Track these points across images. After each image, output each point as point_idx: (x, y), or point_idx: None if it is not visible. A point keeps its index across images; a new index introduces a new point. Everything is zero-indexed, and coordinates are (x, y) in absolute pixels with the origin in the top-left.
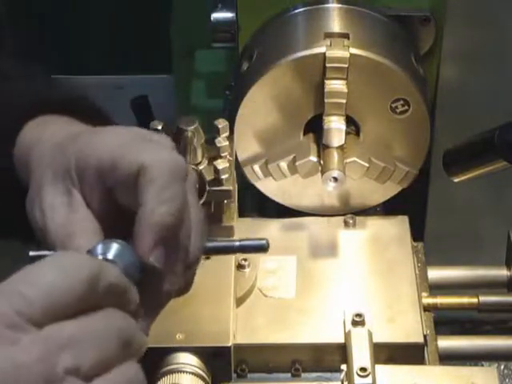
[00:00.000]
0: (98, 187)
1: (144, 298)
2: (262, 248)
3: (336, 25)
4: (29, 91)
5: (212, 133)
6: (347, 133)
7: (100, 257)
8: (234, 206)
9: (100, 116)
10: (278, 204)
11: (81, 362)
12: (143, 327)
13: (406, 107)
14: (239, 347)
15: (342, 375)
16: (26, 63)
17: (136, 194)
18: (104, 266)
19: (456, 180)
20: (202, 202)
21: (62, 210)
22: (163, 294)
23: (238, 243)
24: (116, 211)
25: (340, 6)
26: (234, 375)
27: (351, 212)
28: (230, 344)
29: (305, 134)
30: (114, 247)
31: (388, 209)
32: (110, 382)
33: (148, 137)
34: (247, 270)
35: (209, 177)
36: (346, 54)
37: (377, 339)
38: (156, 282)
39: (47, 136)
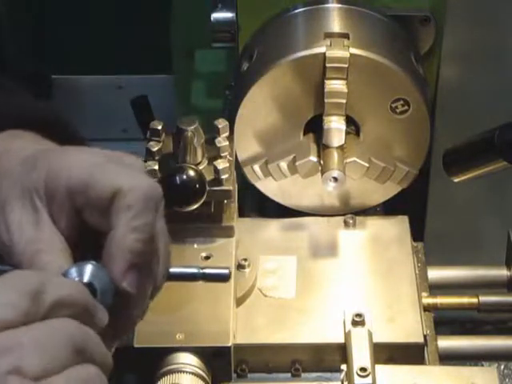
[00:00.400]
0: (67, 206)
1: (114, 320)
2: (224, 278)
3: (336, 25)
4: (2, 104)
5: (212, 133)
6: (347, 133)
7: (76, 280)
8: (234, 205)
9: (73, 139)
10: (278, 204)
11: (24, 365)
12: (108, 346)
13: (406, 107)
14: (239, 347)
15: (342, 375)
16: (5, 76)
17: (108, 217)
18: (49, 281)
19: (456, 180)
20: (201, 201)
21: (29, 227)
22: (133, 317)
23: (200, 271)
24: (83, 231)
25: (340, 6)
26: (234, 375)
27: (351, 212)
28: (230, 344)
29: (305, 134)
30: (89, 268)
31: (388, 209)
32: (60, 381)
33: (121, 159)
34: (247, 270)
35: (209, 177)
36: (346, 54)
37: (377, 339)
38: (127, 306)
39: (14, 149)
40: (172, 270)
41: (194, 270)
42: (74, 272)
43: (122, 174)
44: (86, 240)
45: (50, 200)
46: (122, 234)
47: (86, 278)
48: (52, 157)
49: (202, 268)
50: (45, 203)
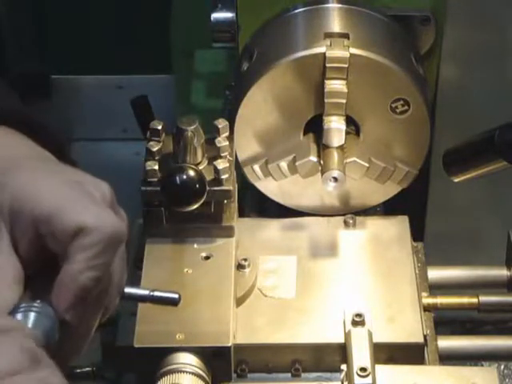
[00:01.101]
0: (30, 232)
1: (59, 348)
2: (173, 302)
3: (336, 25)
4: None
5: (212, 133)
6: (347, 133)
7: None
8: (234, 206)
9: (52, 142)
10: (278, 204)
11: None
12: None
13: (406, 107)
14: (239, 347)
15: (342, 375)
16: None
17: (68, 249)
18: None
19: (456, 180)
20: (201, 201)
21: None
22: (76, 346)
23: (151, 293)
24: (44, 252)
25: (340, 6)
26: (234, 375)
27: (351, 212)
28: (230, 344)
29: (305, 134)
30: (32, 317)
31: (388, 209)
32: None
33: (82, 186)
34: (247, 269)
35: (209, 177)
36: (345, 54)
37: (377, 339)
38: (70, 335)
39: None
40: (126, 290)
41: (145, 292)
42: (19, 316)
43: (88, 209)
44: (44, 258)
45: (14, 223)
46: (78, 270)
47: (29, 325)
48: (20, 179)
49: (153, 291)
50: (8, 225)
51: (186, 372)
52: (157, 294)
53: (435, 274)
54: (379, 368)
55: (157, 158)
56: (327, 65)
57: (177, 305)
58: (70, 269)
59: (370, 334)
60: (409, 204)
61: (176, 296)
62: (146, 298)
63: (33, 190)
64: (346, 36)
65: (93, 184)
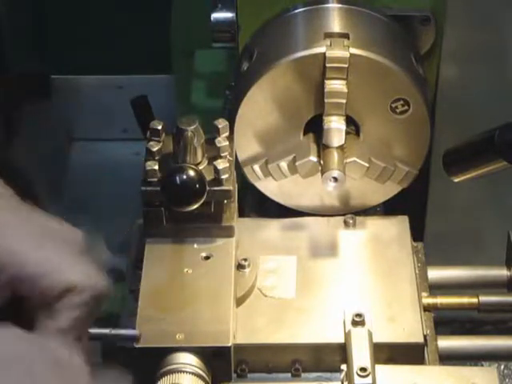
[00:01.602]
0: (6, 288)
1: None
2: (132, 339)
3: (336, 25)
4: None
5: (212, 133)
6: (347, 133)
7: None
8: (234, 205)
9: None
10: (278, 204)
11: None
12: None
13: (406, 107)
14: (239, 347)
15: (342, 375)
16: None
17: (54, 306)
18: None
19: (456, 180)
20: (201, 201)
21: None
22: None
23: (111, 332)
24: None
25: (340, 5)
26: (234, 375)
27: (351, 212)
28: (230, 344)
29: (305, 134)
30: None
31: (388, 209)
32: None
33: (60, 236)
34: (247, 269)
35: (209, 177)
36: (345, 54)
37: (377, 339)
38: None
39: None
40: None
41: (104, 332)
42: None
43: (75, 267)
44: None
45: None
46: (62, 328)
47: None
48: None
49: (112, 329)
50: None
51: (186, 372)
52: (116, 331)
53: (435, 273)
54: (379, 368)
55: (157, 158)
56: (327, 65)
57: (137, 342)
58: (54, 325)
59: (370, 334)
60: (409, 204)
61: (135, 334)
62: (107, 337)
63: (10, 244)
64: (346, 36)
65: (70, 233)
